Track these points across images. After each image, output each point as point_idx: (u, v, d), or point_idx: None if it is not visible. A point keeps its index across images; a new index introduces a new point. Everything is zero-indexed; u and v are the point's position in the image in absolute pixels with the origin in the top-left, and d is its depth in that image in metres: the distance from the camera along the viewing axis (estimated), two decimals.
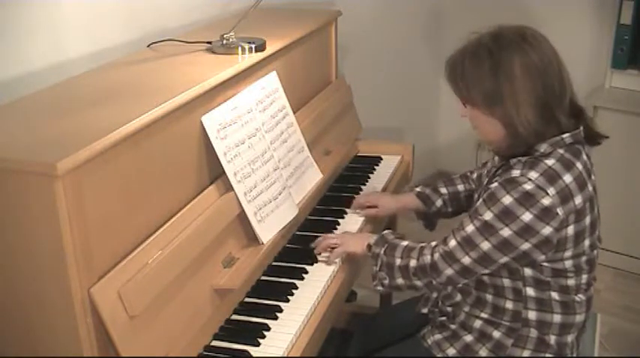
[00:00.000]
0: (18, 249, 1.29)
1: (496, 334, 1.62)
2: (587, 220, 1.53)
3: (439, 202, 1.99)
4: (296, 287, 1.75)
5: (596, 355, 1.79)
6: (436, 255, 1.59)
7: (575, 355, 1.66)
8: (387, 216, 2.07)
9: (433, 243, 1.63)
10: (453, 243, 1.56)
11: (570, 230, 1.50)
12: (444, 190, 1.99)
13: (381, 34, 3.28)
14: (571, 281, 1.57)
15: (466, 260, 1.54)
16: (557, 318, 1.59)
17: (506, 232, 1.48)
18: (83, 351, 1.32)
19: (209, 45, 1.95)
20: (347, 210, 2.12)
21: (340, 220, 2.06)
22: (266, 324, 1.61)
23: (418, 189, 2.02)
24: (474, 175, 1.96)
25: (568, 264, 1.54)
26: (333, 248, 1.85)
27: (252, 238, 1.77)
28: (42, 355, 1.36)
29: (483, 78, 1.50)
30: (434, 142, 3.85)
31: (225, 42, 1.92)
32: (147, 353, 1.37)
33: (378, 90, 3.30)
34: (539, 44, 1.50)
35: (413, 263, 1.62)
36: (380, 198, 2.10)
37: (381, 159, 2.48)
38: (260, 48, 1.92)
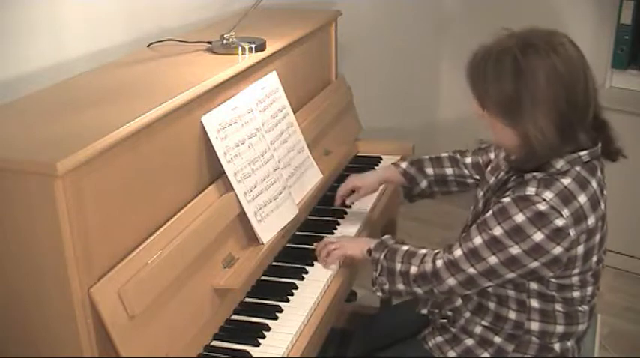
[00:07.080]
0: (18, 249, 1.28)
1: (497, 339, 1.61)
2: (597, 238, 1.50)
3: (424, 183, 1.98)
4: (296, 287, 1.75)
5: (596, 355, 1.79)
6: (439, 263, 1.56)
7: (576, 355, 1.66)
8: (372, 193, 2.09)
9: (435, 251, 1.61)
10: (458, 252, 1.53)
11: (580, 249, 1.47)
12: (430, 171, 1.98)
13: (381, 34, 3.28)
14: (576, 294, 1.55)
15: (471, 271, 1.51)
16: (559, 328, 1.58)
17: (515, 250, 1.44)
18: (83, 351, 1.32)
19: (209, 45, 1.95)
20: (347, 210, 2.11)
21: (340, 220, 2.06)
22: (266, 324, 1.61)
23: (404, 167, 2.01)
24: (468, 160, 1.94)
25: (575, 279, 1.52)
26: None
27: (252, 238, 1.77)
28: (42, 355, 1.36)
29: (504, 85, 1.42)
30: (434, 142, 3.84)
31: (225, 42, 1.92)
32: (147, 353, 1.37)
33: (378, 90, 3.29)
34: (568, 54, 1.42)
35: (414, 270, 1.60)
36: (360, 179, 2.07)
37: (381, 159, 2.47)
38: (260, 48, 1.92)
